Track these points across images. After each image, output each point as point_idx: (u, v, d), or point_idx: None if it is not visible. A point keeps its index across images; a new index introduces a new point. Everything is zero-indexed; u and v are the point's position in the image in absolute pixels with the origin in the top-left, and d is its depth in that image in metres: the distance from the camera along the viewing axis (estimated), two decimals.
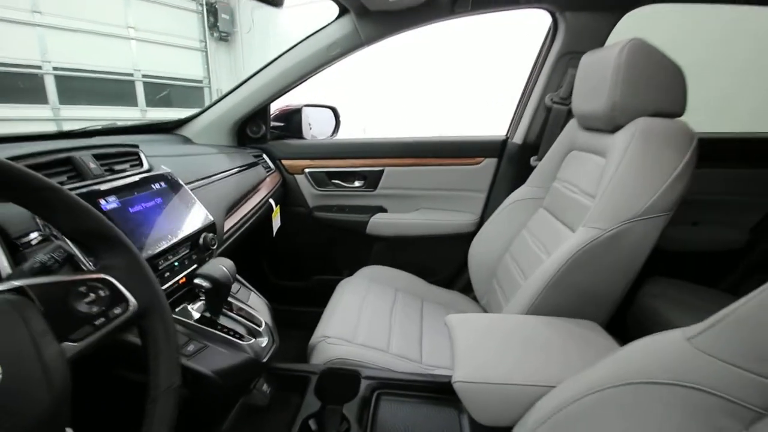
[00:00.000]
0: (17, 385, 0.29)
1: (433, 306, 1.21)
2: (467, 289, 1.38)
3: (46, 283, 0.36)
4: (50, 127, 4.65)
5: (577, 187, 0.93)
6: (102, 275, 0.41)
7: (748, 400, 0.36)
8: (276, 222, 1.34)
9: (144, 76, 5.64)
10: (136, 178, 0.71)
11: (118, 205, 0.64)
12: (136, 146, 0.79)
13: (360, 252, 1.51)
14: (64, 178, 0.61)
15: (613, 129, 0.83)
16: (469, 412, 0.62)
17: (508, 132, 1.38)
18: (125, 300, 0.41)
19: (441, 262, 1.47)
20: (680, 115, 0.80)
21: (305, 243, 1.54)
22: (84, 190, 0.60)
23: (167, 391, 0.41)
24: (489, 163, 1.37)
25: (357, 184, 1.46)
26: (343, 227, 1.48)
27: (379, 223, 1.45)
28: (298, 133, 1.53)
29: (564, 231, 0.92)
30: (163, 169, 0.80)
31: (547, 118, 1.24)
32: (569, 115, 1.19)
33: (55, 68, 4.70)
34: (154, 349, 0.42)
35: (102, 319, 0.39)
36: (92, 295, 0.39)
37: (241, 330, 0.74)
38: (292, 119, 1.53)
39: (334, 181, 1.46)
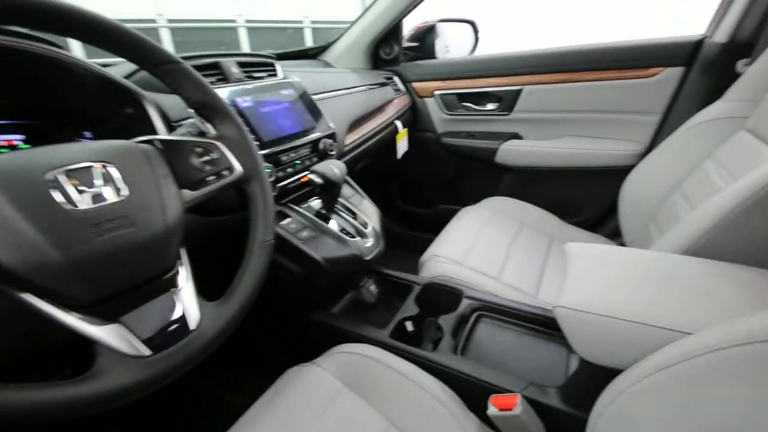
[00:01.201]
0: (140, 203, 0.37)
1: (563, 247, 1.06)
2: (615, 235, 1.16)
3: (171, 140, 0.44)
4: None
5: None
6: (216, 142, 0.47)
7: None
8: (402, 146, 1.35)
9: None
10: (269, 82, 0.80)
11: (251, 104, 0.73)
12: (273, 57, 0.88)
13: (488, 182, 1.41)
14: (213, 80, 0.73)
15: None
16: (573, 347, 0.53)
17: (708, 29, 1.01)
18: (232, 165, 0.48)
19: (585, 200, 1.26)
20: None
21: (431, 170, 1.52)
22: (226, 88, 0.70)
23: (262, 246, 0.47)
24: (670, 75, 1.04)
25: (490, 107, 1.32)
26: (471, 155, 1.39)
27: (512, 151, 1.30)
28: (431, 53, 1.45)
29: None
30: (294, 78, 0.87)
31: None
32: None
33: (169, 20, 5.07)
34: (254, 210, 0.48)
35: (213, 177, 0.46)
36: (207, 157, 0.46)
37: (349, 228, 0.79)
38: (425, 38, 1.45)
39: (464, 104, 1.36)
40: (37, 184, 0.32)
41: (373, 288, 0.85)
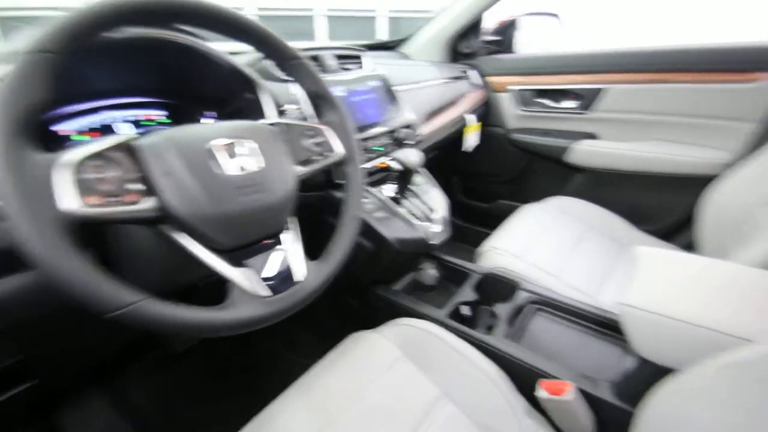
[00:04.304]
0: (272, 174, 0.46)
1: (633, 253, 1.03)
2: (689, 247, 1.10)
3: (289, 124, 0.53)
4: None
5: None
6: (323, 126, 0.56)
7: None
8: (472, 139, 1.37)
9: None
10: (359, 74, 0.87)
11: (344, 93, 0.81)
12: (362, 50, 0.95)
13: (554, 181, 1.39)
14: None
15: None
16: (630, 344, 0.56)
17: None
18: (334, 147, 0.56)
19: (660, 208, 1.20)
20: None
21: (496, 165, 1.53)
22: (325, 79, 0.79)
23: (353, 218, 0.55)
24: None
25: (567, 104, 1.30)
26: (540, 152, 1.38)
27: (586, 151, 1.27)
28: (509, 48, 1.44)
29: None
30: (379, 71, 0.94)
31: None
32: None
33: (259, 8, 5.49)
34: (348, 188, 0.56)
35: (319, 157, 0.54)
36: (315, 140, 0.54)
37: (418, 214, 0.85)
38: (506, 32, 1.45)
39: (540, 100, 1.34)
40: (202, 152, 0.41)
41: (432, 271, 0.91)
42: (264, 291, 0.43)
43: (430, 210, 0.87)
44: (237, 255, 0.44)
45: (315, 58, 0.83)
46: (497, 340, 0.72)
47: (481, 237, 1.28)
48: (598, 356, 0.69)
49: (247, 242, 0.44)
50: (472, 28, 1.36)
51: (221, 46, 0.62)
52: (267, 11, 5.94)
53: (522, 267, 0.92)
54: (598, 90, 1.21)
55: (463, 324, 0.77)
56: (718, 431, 0.40)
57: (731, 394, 0.41)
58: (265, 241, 0.46)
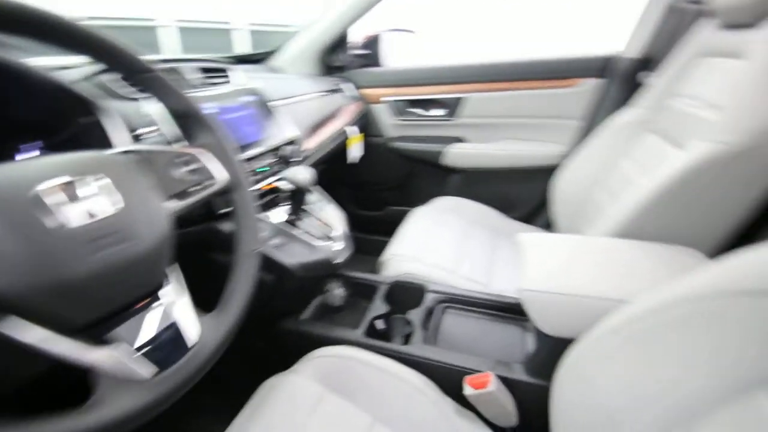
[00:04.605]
0: (134, 216, 0.36)
1: (509, 240, 1.17)
2: (548, 226, 1.30)
3: (151, 150, 0.43)
4: None
5: (699, 99, 0.77)
6: (196, 150, 0.47)
7: None
8: (356, 150, 1.38)
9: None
10: (229, 89, 0.78)
11: (214, 111, 0.71)
12: (228, 62, 0.86)
13: (435, 184, 1.50)
14: None
15: (759, 20, 0.66)
16: (534, 324, 0.61)
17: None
18: (215, 174, 0.47)
19: (522, 197, 1.39)
20: None
21: (382, 173, 1.57)
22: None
23: (249, 254, 0.47)
24: (588, 85, 1.20)
25: (436, 112, 1.41)
26: (420, 158, 1.47)
27: (457, 154, 1.40)
28: (376, 61, 1.51)
29: (673, 152, 0.79)
30: (252, 85, 0.86)
31: (676, 24, 1.03)
32: (696, 17, 0.97)
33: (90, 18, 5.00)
34: (239, 219, 0.48)
35: (198, 187, 0.45)
36: (189, 167, 0.45)
37: (317, 234, 0.80)
38: (373, 46, 1.51)
39: (412, 109, 1.43)
40: (23, 202, 0.30)
41: (340, 291, 0.87)
42: (145, 370, 0.33)
43: (328, 228, 0.83)
44: (102, 330, 0.33)
45: (171, 72, 0.72)
46: (416, 347, 0.72)
47: (378, 245, 1.29)
48: (506, 340, 0.75)
49: (111, 311, 0.34)
50: (340, 41, 1.37)
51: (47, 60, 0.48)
52: (100, 20, 5.08)
53: (424, 269, 0.94)
54: (459, 99, 1.35)
55: (381, 339, 0.75)
56: (619, 385, 0.46)
57: (620, 351, 0.47)
58: (138, 305, 0.36)
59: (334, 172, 1.51)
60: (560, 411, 0.54)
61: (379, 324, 0.80)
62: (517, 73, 1.28)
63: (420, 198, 1.45)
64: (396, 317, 0.83)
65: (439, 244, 1.06)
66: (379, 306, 0.82)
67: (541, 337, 0.62)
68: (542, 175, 1.30)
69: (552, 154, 1.29)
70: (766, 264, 0.38)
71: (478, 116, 1.36)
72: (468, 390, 0.61)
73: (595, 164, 1.06)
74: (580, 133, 1.25)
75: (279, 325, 0.79)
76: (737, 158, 0.61)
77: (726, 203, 0.65)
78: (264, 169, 0.77)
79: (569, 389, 0.53)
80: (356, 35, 1.48)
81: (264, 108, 0.86)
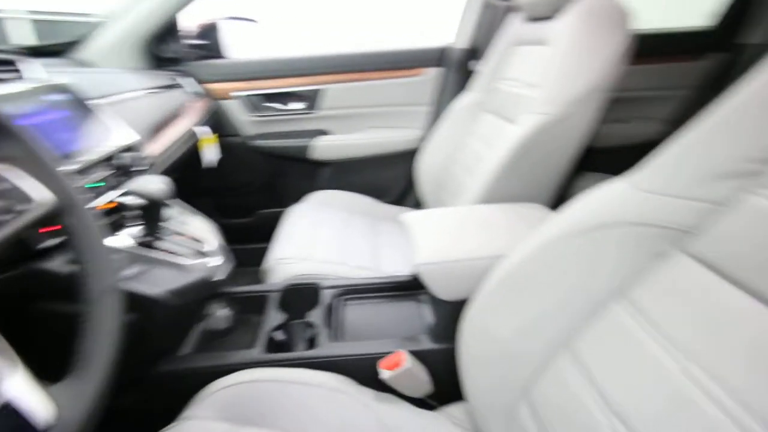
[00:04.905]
0: None
1: (387, 223, 1.22)
2: (417, 205, 1.40)
3: None
4: None
5: (519, 80, 0.93)
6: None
7: (682, 224, 0.40)
8: (211, 153, 1.23)
9: None
10: (26, 86, 0.59)
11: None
12: (17, 52, 0.65)
13: (306, 180, 1.46)
14: None
15: (553, 13, 0.82)
16: (432, 294, 0.65)
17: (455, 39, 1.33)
18: (32, 195, 0.35)
19: (391, 181, 1.47)
20: None
21: (245, 175, 1.45)
22: None
23: (105, 294, 0.37)
24: (431, 74, 1.33)
25: (295, 106, 1.36)
26: (285, 155, 1.40)
27: (324, 146, 1.39)
28: (218, 52, 1.36)
29: (507, 127, 0.94)
30: (58, 80, 0.67)
31: (488, 17, 1.21)
32: (507, 12, 1.16)
33: None
34: (79, 251, 0.37)
35: (8, 215, 0.32)
36: None
37: (185, 251, 0.68)
38: (211, 36, 1.35)
39: (269, 104, 1.34)
40: None
41: (224, 312, 0.78)
42: None
43: (199, 242, 0.72)
44: None
45: None
46: (323, 348, 0.69)
47: (255, 254, 1.20)
48: (408, 317, 0.78)
49: None
50: (169, 30, 1.19)
51: None
52: None
53: (315, 267, 0.91)
54: (317, 90, 1.32)
55: (283, 350, 0.69)
56: (511, 326, 0.53)
57: (507, 297, 0.53)
58: None
59: (189, 180, 1.32)
60: (467, 364, 0.59)
61: (278, 335, 0.73)
62: (369, 63, 1.32)
63: (292, 196, 1.39)
64: (295, 323, 0.78)
65: (323, 240, 1.04)
66: (274, 317, 0.76)
67: (440, 304, 0.66)
68: (405, 158, 1.39)
69: (411, 139, 1.39)
70: (590, 206, 0.48)
71: (338, 107, 1.37)
72: (384, 374, 0.62)
73: (449, 144, 1.18)
74: (431, 118, 1.37)
75: (155, 370, 0.65)
76: (556, 124, 0.76)
77: (554, 162, 0.81)
78: (98, 184, 0.61)
79: (472, 342, 0.58)
80: (188, 23, 1.30)
81: (82, 108, 0.68)
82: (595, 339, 0.45)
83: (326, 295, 0.81)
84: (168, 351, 0.69)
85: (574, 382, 0.45)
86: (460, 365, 0.60)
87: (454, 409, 0.65)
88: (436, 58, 1.32)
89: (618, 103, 1.22)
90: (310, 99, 1.34)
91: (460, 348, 0.60)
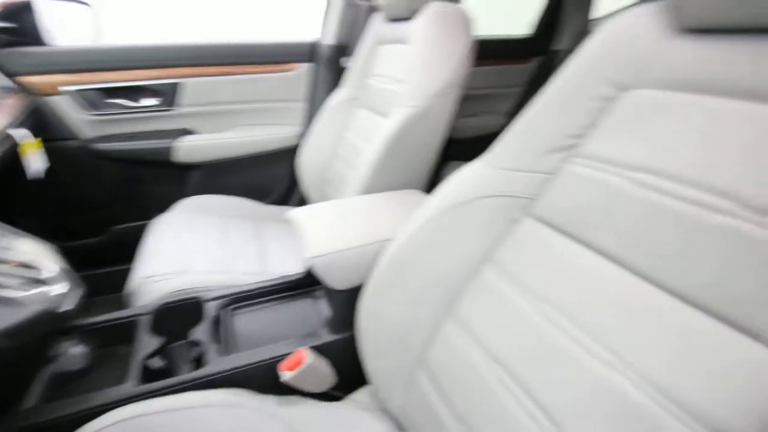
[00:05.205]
0: None
1: (272, 224, 1.17)
2: (302, 203, 1.38)
3: None
4: None
5: (388, 77, 0.99)
6: None
7: (526, 192, 0.48)
8: (36, 161, 0.99)
9: None
10: None
11: None
12: None
13: (171, 186, 1.29)
14: None
15: (411, 14, 0.90)
16: (327, 285, 0.65)
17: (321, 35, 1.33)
18: None
19: (272, 181, 1.41)
20: (458, 1, 0.91)
21: (88, 186, 1.21)
22: None
23: None
24: (304, 69, 1.31)
25: (148, 102, 1.19)
26: (141, 159, 1.22)
27: (189, 148, 1.25)
28: (36, 38, 1.10)
29: (382, 121, 0.99)
30: None
31: (354, 15, 1.24)
32: (372, 11, 1.22)
33: None
34: None
35: None
36: None
37: (12, 282, 0.54)
38: (23, 18, 1.08)
39: (114, 100, 1.15)
40: None
41: (78, 350, 0.65)
42: None
43: (33, 269, 0.58)
44: None
45: None
46: (213, 365, 0.63)
47: (112, 278, 1.04)
48: (304, 314, 0.77)
49: None
50: None
51: None
52: None
53: (193, 280, 0.82)
54: (176, 84, 1.18)
55: (163, 377, 0.61)
56: (403, 302, 0.56)
57: (397, 277, 0.57)
58: None
59: (10, 196, 1.05)
60: (367, 346, 0.61)
61: (155, 362, 0.64)
62: (236, 56, 1.23)
63: (156, 206, 1.23)
64: (175, 346, 0.69)
65: (200, 249, 0.94)
66: (147, 342, 0.66)
67: (335, 295, 0.67)
68: (286, 156, 1.35)
69: (289, 136, 1.36)
70: (456, 186, 0.55)
71: (204, 104, 1.25)
72: (285, 375, 0.60)
73: (328, 139, 1.19)
74: (307, 114, 1.36)
75: None
76: (423, 116, 0.83)
77: (424, 151, 0.89)
78: None
79: (369, 324, 0.60)
80: None
81: None
82: (472, 300, 0.51)
83: (211, 308, 0.74)
84: (4, 407, 0.54)
85: (461, 342, 0.51)
86: (361, 350, 0.62)
87: (359, 395, 0.67)
88: (307, 53, 1.31)
89: (468, 99, 1.41)
90: (167, 94, 1.19)
91: (358, 333, 0.62)
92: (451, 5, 0.87)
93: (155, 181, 1.28)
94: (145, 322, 0.70)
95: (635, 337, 0.35)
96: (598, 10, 1.49)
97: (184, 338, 0.69)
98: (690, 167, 0.34)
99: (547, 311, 0.43)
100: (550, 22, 1.50)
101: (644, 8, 0.42)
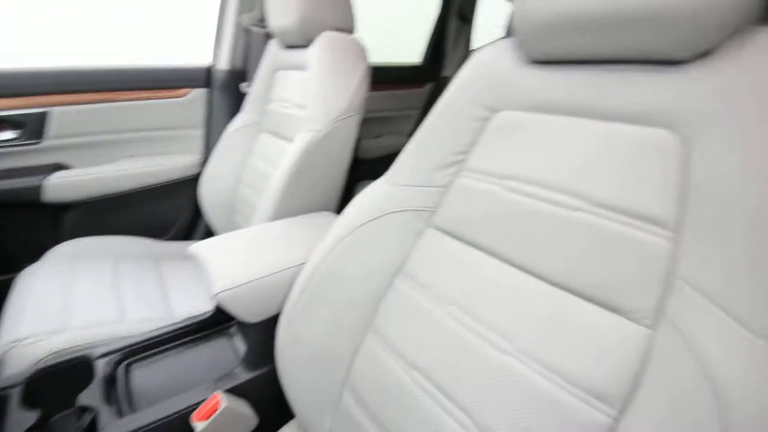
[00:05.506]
0: None
1: (172, 262, 1.06)
2: (208, 235, 1.28)
3: None
4: None
5: (290, 102, 0.99)
6: None
7: (426, 205, 0.52)
8: None
9: None
10: None
11: None
12: None
13: (42, 232, 1.11)
14: None
15: (307, 43, 0.92)
16: (239, 320, 0.61)
17: (213, 59, 1.28)
18: None
19: (171, 214, 1.29)
20: (353, 32, 0.96)
21: None
22: None
23: None
24: (198, 94, 1.24)
25: (6, 136, 1.01)
26: (1, 202, 1.03)
27: (63, 185, 1.09)
28: None
29: (287, 146, 0.98)
30: None
31: (249, 41, 1.23)
32: (268, 37, 1.22)
33: None
34: None
35: None
36: None
37: None
38: None
39: None
40: None
41: None
42: None
43: None
44: None
45: None
46: (108, 430, 0.55)
47: None
48: (217, 356, 0.71)
49: None
50: None
51: None
52: None
53: (75, 337, 0.71)
54: (43, 114, 1.03)
55: None
56: (323, 324, 0.56)
57: (314, 299, 0.57)
58: None
59: None
60: (289, 376, 0.59)
61: None
62: (120, 81, 1.12)
63: (23, 256, 1.04)
64: (58, 418, 0.58)
65: (84, 300, 0.82)
66: (20, 419, 0.55)
67: (250, 329, 0.64)
68: (185, 186, 1.25)
69: (188, 165, 1.26)
70: (363, 204, 0.58)
71: (80, 134, 1.10)
72: (199, 427, 0.54)
73: (232, 166, 1.14)
74: (206, 141, 1.29)
75: None
76: (326, 139, 0.85)
77: (331, 172, 0.90)
78: None
79: (289, 352, 0.58)
80: None
81: None
82: (390, 313, 0.53)
83: (101, 365, 0.64)
84: None
85: (382, 354, 0.52)
86: (283, 381, 0.60)
87: (285, 431, 0.64)
88: (201, 78, 1.25)
89: (373, 121, 1.48)
90: (32, 126, 1.03)
91: (279, 363, 0.59)
92: (345, 36, 0.91)
93: (21, 226, 1.08)
94: (15, 396, 0.58)
95: (521, 320, 0.40)
96: (476, 42, 1.69)
97: (70, 406, 0.59)
98: (545, 173, 0.41)
99: (453, 312, 0.46)
100: (435, 52, 1.66)
101: (503, 42, 0.50)
